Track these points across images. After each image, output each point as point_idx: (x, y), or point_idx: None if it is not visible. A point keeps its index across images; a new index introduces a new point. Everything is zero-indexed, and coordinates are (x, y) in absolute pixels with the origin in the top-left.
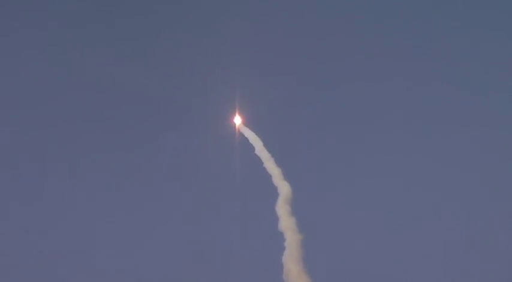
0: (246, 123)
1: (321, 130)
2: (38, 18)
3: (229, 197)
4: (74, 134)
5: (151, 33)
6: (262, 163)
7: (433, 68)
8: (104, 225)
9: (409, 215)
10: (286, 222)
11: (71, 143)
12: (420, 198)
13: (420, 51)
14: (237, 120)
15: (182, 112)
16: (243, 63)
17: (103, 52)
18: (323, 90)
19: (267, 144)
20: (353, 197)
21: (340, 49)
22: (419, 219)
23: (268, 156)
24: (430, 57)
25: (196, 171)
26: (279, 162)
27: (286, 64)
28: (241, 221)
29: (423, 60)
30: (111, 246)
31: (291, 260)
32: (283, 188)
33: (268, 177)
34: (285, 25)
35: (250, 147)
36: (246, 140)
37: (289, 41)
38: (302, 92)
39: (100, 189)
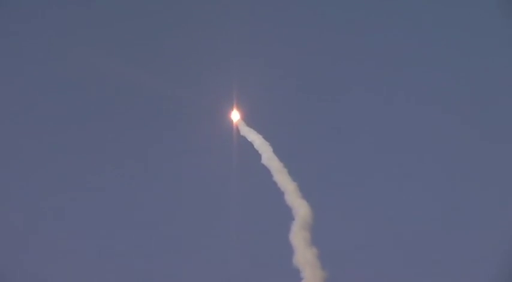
0: (247, 120)
1: (342, 131)
2: (37, 18)
3: (227, 221)
4: (67, 131)
5: (145, 26)
6: (272, 176)
7: (437, 69)
8: (96, 226)
9: (449, 236)
10: (304, 255)
11: (64, 139)
12: (453, 211)
13: (423, 53)
14: (235, 116)
15: (171, 106)
16: (241, 53)
17: (93, 47)
18: (334, 83)
19: (276, 150)
20: (391, 220)
21: (342, 39)
22: (455, 240)
23: (280, 167)
24: (434, 59)
25: (183, 188)
26: (294, 175)
27: (290, 53)
28: (244, 253)
29: (427, 61)
30: (104, 248)
31: None
32: (300, 209)
33: (279, 194)
34: (285, 15)
35: (255, 155)
36: (250, 144)
37: (291, 30)
38: (310, 83)
39: (91, 187)
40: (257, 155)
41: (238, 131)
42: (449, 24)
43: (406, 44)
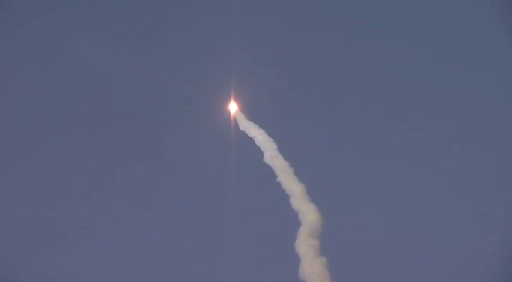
0: (247, 113)
1: (353, 127)
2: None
3: (225, 226)
4: (61, 125)
5: (142, 19)
6: (276, 176)
7: (437, 69)
8: (92, 225)
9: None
10: (312, 265)
11: (59, 134)
12: (475, 215)
13: (424, 53)
14: (233, 107)
15: (160, 97)
16: (239, 38)
17: (91, 40)
18: (343, 75)
19: (281, 148)
20: (409, 228)
21: (346, 27)
22: (472, 246)
23: (285, 166)
24: (435, 58)
25: (176, 192)
26: (301, 175)
27: (296, 38)
28: (244, 263)
29: (428, 60)
30: (102, 247)
31: None
32: (308, 214)
33: (284, 197)
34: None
35: (257, 152)
36: (250, 141)
37: (293, 17)
38: (319, 72)
39: (91, 184)
40: (259, 153)
41: (236, 125)
42: (448, 25)
43: (406, 41)
